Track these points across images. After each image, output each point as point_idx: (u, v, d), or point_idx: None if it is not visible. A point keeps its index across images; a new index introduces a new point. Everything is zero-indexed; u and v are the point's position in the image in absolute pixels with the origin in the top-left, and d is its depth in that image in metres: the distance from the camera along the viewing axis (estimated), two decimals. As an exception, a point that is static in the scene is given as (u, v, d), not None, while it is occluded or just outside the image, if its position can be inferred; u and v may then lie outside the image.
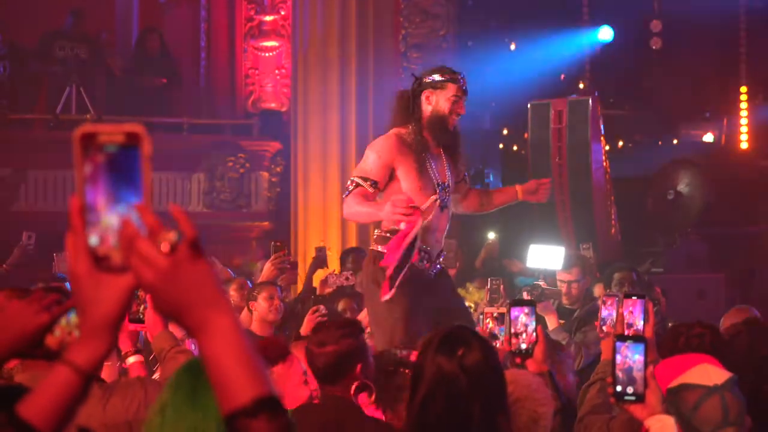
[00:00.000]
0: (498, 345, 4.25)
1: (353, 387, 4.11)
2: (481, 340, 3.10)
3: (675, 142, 15.30)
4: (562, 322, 7.65)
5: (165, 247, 1.62)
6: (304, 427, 3.82)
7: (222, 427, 1.67)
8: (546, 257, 8.67)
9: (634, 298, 4.48)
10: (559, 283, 7.99)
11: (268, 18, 14.32)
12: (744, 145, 15.35)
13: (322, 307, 7.31)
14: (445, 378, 2.97)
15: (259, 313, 7.42)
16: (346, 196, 6.49)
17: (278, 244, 9.10)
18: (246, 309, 7.57)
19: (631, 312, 4.43)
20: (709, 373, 3.58)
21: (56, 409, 1.75)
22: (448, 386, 2.96)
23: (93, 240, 1.63)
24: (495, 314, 4.46)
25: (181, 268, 1.64)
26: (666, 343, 4.46)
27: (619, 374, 3.25)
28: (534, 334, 4.02)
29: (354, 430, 3.56)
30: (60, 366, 1.75)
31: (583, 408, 4.25)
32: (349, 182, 6.59)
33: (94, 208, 1.62)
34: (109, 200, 1.61)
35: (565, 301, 7.92)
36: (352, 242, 11.89)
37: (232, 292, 8.21)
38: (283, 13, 14.25)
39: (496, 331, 4.39)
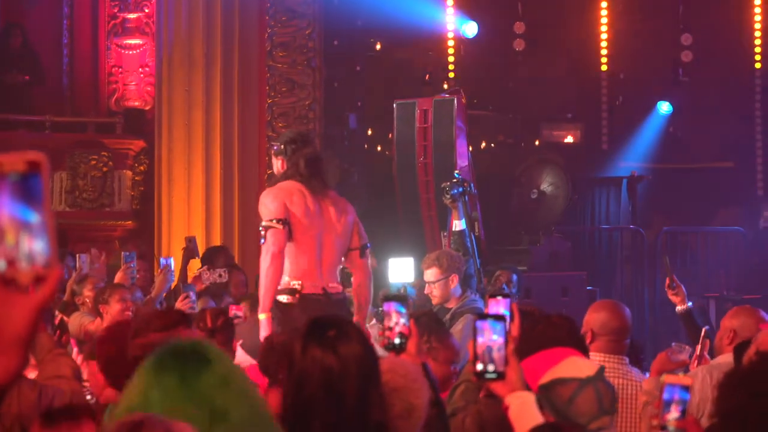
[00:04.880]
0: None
1: None
2: (352, 324, 3.20)
3: (537, 143, 15.52)
4: None
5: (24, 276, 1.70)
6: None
7: (214, 416, 1.78)
8: (401, 271, 8.89)
9: (498, 297, 4.48)
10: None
11: (132, 15, 14.14)
12: (605, 146, 15.69)
13: (191, 293, 7.19)
14: (317, 361, 3.06)
15: (113, 315, 7.09)
16: None
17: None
18: (97, 314, 7.36)
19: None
20: (579, 366, 3.62)
21: None
22: (322, 369, 3.05)
23: (0, 264, 1.71)
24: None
25: (13, 300, 1.70)
26: (525, 334, 4.47)
27: (480, 353, 3.27)
28: (407, 328, 3.98)
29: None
30: None
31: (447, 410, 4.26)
32: None
33: (1, 233, 1.70)
34: (14, 225, 1.69)
35: (435, 302, 7.92)
36: (217, 241, 11.84)
37: (87, 292, 7.90)
38: (147, 10, 14.08)
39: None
